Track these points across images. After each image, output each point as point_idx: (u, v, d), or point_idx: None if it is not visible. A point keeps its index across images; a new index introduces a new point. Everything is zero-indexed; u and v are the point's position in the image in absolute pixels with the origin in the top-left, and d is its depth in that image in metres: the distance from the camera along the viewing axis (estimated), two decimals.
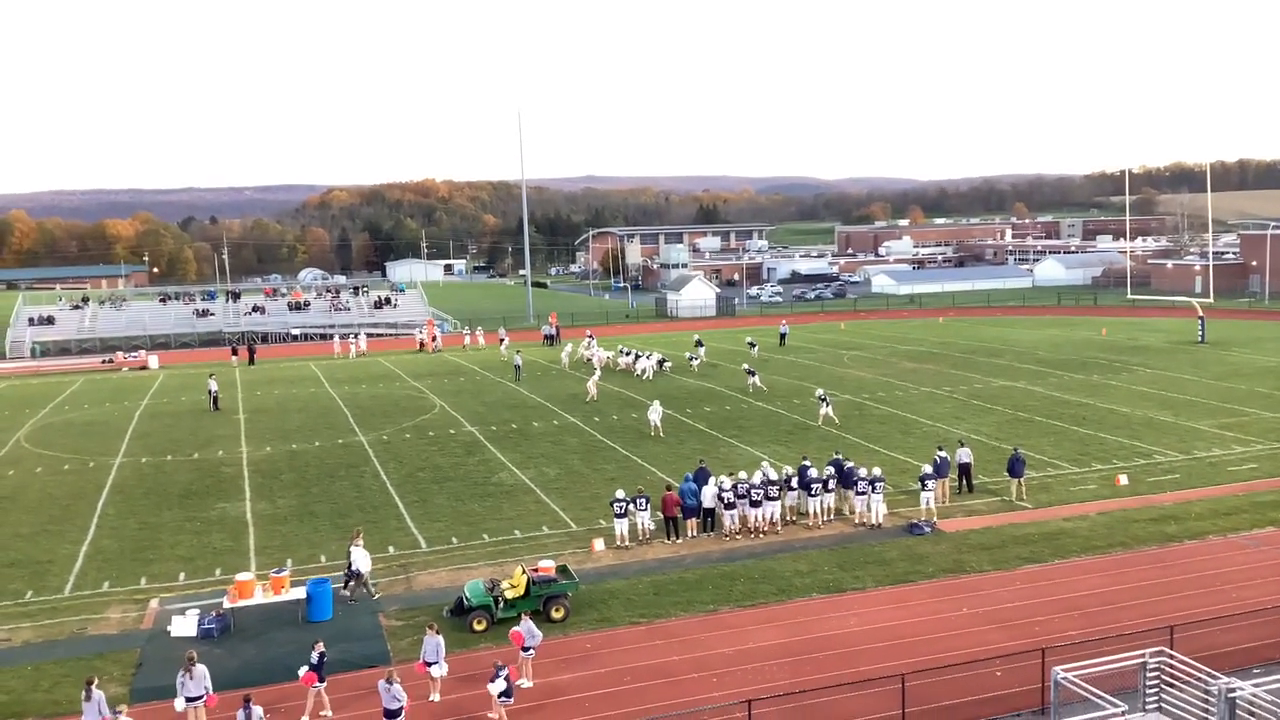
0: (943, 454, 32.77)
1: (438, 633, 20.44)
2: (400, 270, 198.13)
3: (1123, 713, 16.59)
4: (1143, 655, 17.98)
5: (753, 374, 54.96)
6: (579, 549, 28.83)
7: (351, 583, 25.60)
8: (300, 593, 24.41)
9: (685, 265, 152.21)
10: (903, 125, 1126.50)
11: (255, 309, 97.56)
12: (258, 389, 61.05)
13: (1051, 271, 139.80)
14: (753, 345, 67.98)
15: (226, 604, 24.04)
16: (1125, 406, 46.67)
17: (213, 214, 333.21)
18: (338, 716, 19.64)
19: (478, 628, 23.23)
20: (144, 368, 74.50)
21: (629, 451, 40.54)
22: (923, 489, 30.44)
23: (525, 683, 20.54)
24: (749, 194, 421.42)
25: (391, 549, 29.34)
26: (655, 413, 44.04)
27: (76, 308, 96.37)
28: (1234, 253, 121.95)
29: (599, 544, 28.82)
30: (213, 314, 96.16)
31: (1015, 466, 32.58)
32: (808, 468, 31.33)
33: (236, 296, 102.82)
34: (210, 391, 54.37)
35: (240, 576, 24.68)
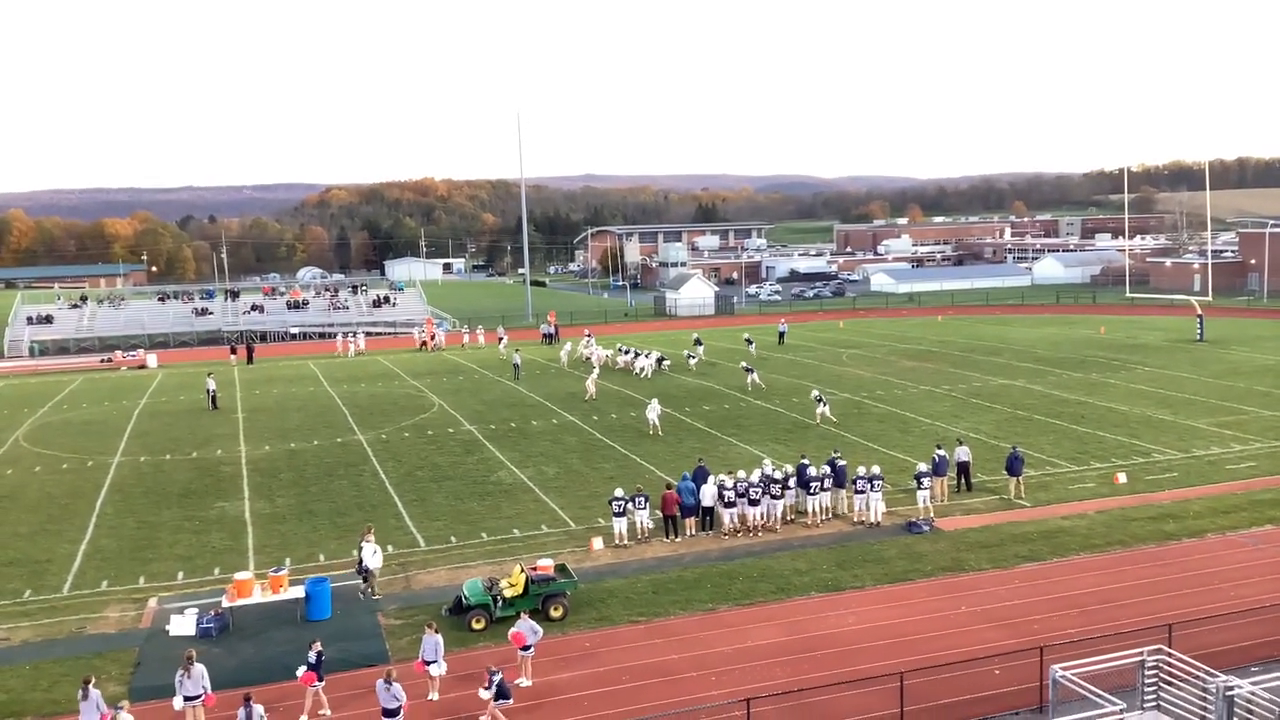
0: (941, 452, 32.78)
1: (436, 631, 20.44)
2: (399, 269, 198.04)
3: (1121, 711, 16.59)
4: (1141, 653, 17.99)
5: (751, 371, 54.99)
6: (578, 548, 28.84)
7: (362, 580, 25.67)
8: (299, 592, 24.42)
9: (684, 264, 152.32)
10: (901, 124, 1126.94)
11: (254, 308, 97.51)
12: (256, 388, 61.04)
13: (1050, 270, 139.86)
14: (750, 342, 67.99)
15: (225, 603, 24.04)
16: (1124, 405, 46.70)
17: (211, 213, 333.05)
18: (336, 715, 19.64)
19: (476, 626, 23.24)
20: (142, 367, 74.48)
21: (628, 450, 40.55)
22: (919, 487, 30.45)
23: (524, 681, 20.54)
24: (748, 192, 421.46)
25: (390, 548, 29.32)
26: (653, 411, 44.06)
27: (75, 307, 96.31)
28: (1233, 251, 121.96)
29: (598, 543, 28.83)
30: (211, 313, 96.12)
31: (1014, 465, 32.60)
32: (806, 466, 31.34)
33: (235, 295, 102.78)
34: (209, 390, 54.37)
35: (239, 575, 24.68)
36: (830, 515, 30.69)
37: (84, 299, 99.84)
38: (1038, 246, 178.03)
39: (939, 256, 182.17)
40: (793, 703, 19.08)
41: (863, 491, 30.21)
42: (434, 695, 20.11)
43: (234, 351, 76.23)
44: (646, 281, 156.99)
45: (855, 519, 30.39)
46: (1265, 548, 27.42)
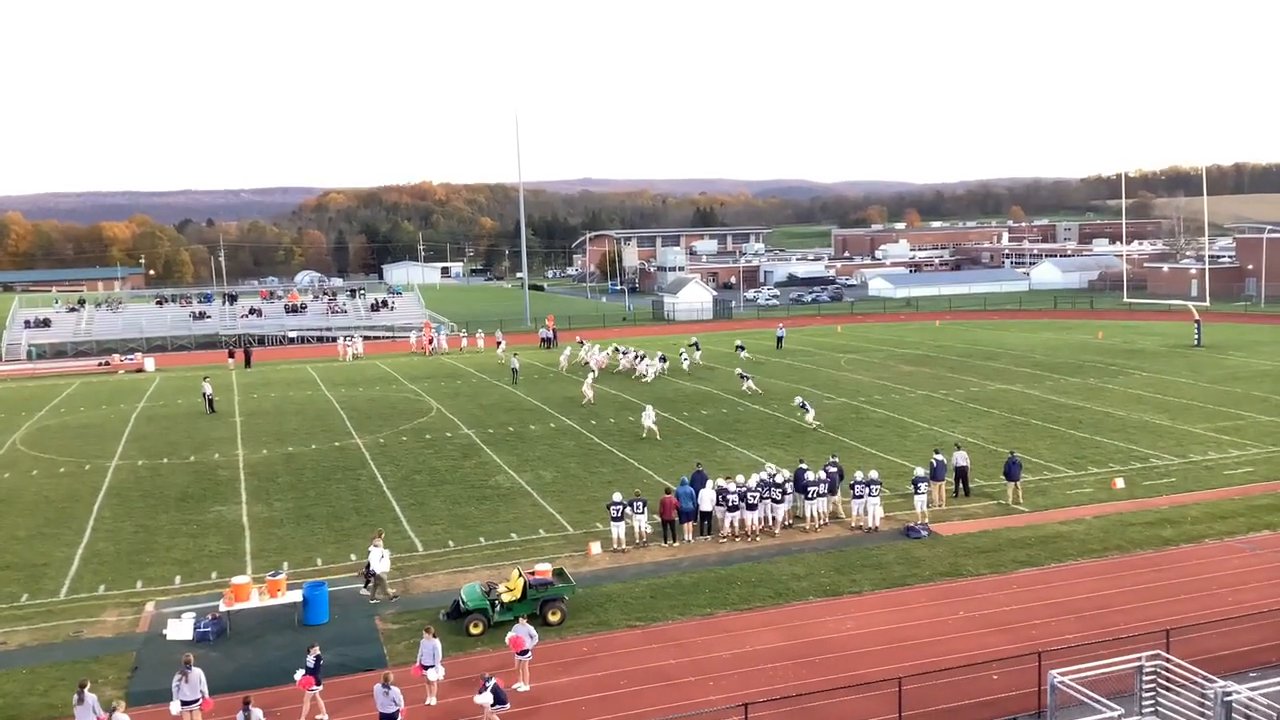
0: (939, 457, 32.78)
1: (434, 636, 20.41)
2: (397, 273, 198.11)
3: (1119, 716, 16.60)
4: (1139, 659, 18.00)
5: (746, 378, 54.98)
6: (576, 552, 28.83)
7: (371, 583, 25.73)
8: (296, 596, 24.39)
9: (682, 268, 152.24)
10: (899, 128, 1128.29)
11: (252, 311, 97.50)
12: (254, 392, 61.01)
13: (1048, 275, 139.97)
14: (740, 348, 67.85)
15: (222, 607, 24.02)
16: (1121, 410, 46.74)
17: (209, 216, 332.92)
18: None
19: (474, 631, 23.22)
20: (140, 370, 74.44)
21: (626, 455, 40.55)
22: (916, 492, 30.46)
23: (522, 686, 20.52)
24: (745, 197, 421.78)
25: (388, 552, 29.26)
26: (648, 416, 44.08)
27: (73, 310, 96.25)
28: (1230, 256, 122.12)
29: (596, 547, 28.81)
30: (209, 316, 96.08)
31: (1011, 470, 32.60)
32: (804, 470, 31.37)
33: (233, 299, 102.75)
34: (205, 395, 54.30)
35: (236, 580, 24.67)
36: (828, 520, 30.69)
37: (82, 302, 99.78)
38: (1035, 251, 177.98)
39: (937, 261, 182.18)
40: (791, 708, 19.07)
41: (861, 496, 30.21)
42: (432, 700, 20.09)
43: (232, 355, 76.19)
44: (645, 285, 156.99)
45: (853, 524, 30.39)
46: (1263, 553, 27.44)
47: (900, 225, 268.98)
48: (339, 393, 59.26)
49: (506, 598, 23.66)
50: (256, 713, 17.68)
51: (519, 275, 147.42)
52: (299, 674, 19.59)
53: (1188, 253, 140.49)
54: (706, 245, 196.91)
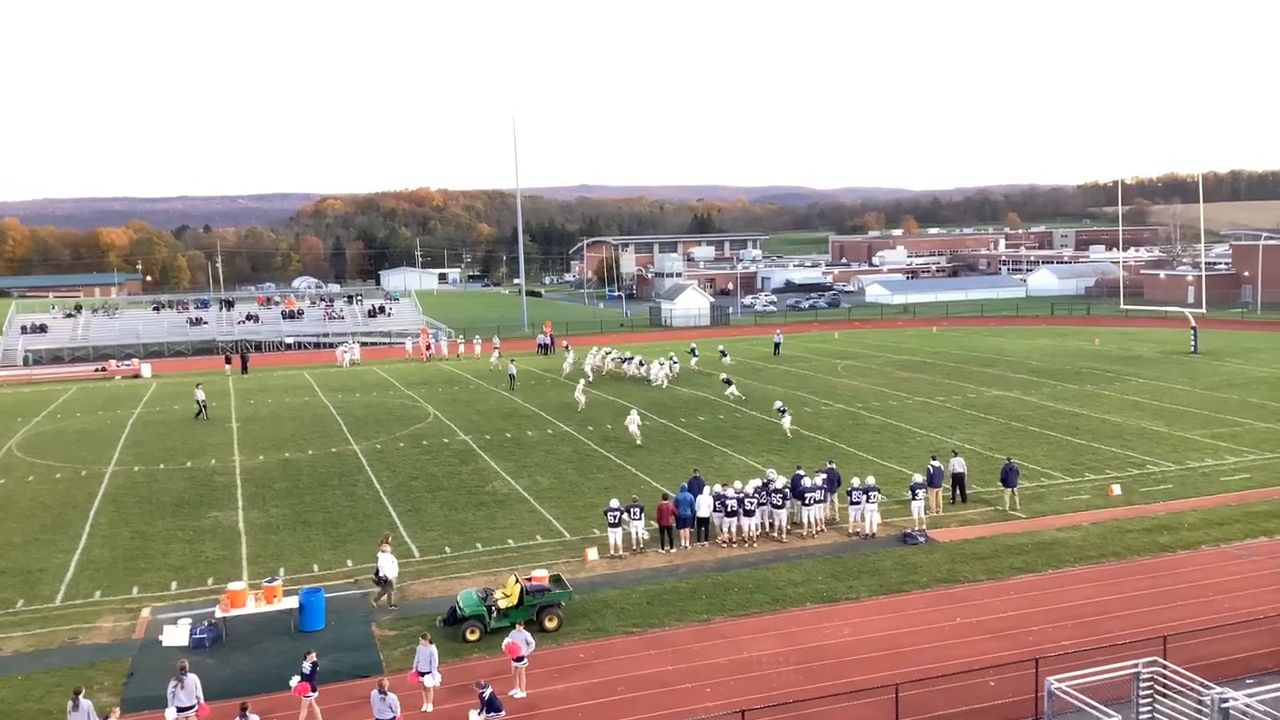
0: (936, 464, 32.78)
1: (431, 642, 20.39)
2: (394, 279, 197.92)
3: None
4: (1136, 665, 18.00)
5: (729, 383, 54.95)
6: (573, 558, 28.80)
7: (379, 588, 25.71)
8: (292, 602, 24.34)
9: (679, 274, 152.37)
10: (896, 135, 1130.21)
11: (249, 317, 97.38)
12: (251, 397, 60.93)
13: (1045, 281, 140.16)
14: (724, 354, 67.59)
15: (218, 613, 23.97)
16: (1118, 416, 46.77)
17: (206, 222, 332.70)
18: None
19: (471, 637, 23.18)
20: (137, 376, 74.33)
21: (623, 461, 40.52)
22: (914, 498, 30.44)
23: (518, 693, 20.48)
24: (743, 204, 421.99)
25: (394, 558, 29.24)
26: (633, 421, 44.02)
27: (69, 316, 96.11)
28: (1226, 263, 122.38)
29: (592, 553, 28.78)
30: (206, 322, 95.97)
31: (1009, 476, 32.60)
32: (801, 476, 31.36)
33: (230, 305, 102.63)
34: (198, 401, 54.08)
35: (232, 586, 24.64)
36: (825, 527, 30.67)
37: (78, 308, 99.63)
38: (1032, 258, 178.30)
39: (934, 268, 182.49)
40: (788, 714, 19.04)
41: (858, 503, 30.19)
42: (428, 706, 20.04)
43: (229, 361, 76.09)
44: (642, 292, 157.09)
45: (850, 530, 30.37)
46: (1260, 559, 27.45)
47: (897, 232, 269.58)
48: (336, 399, 59.20)
49: (503, 604, 23.63)
50: (254, 719, 17.64)
51: (516, 281, 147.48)
52: (294, 680, 19.56)
53: (1184, 259, 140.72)
54: (704, 252, 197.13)
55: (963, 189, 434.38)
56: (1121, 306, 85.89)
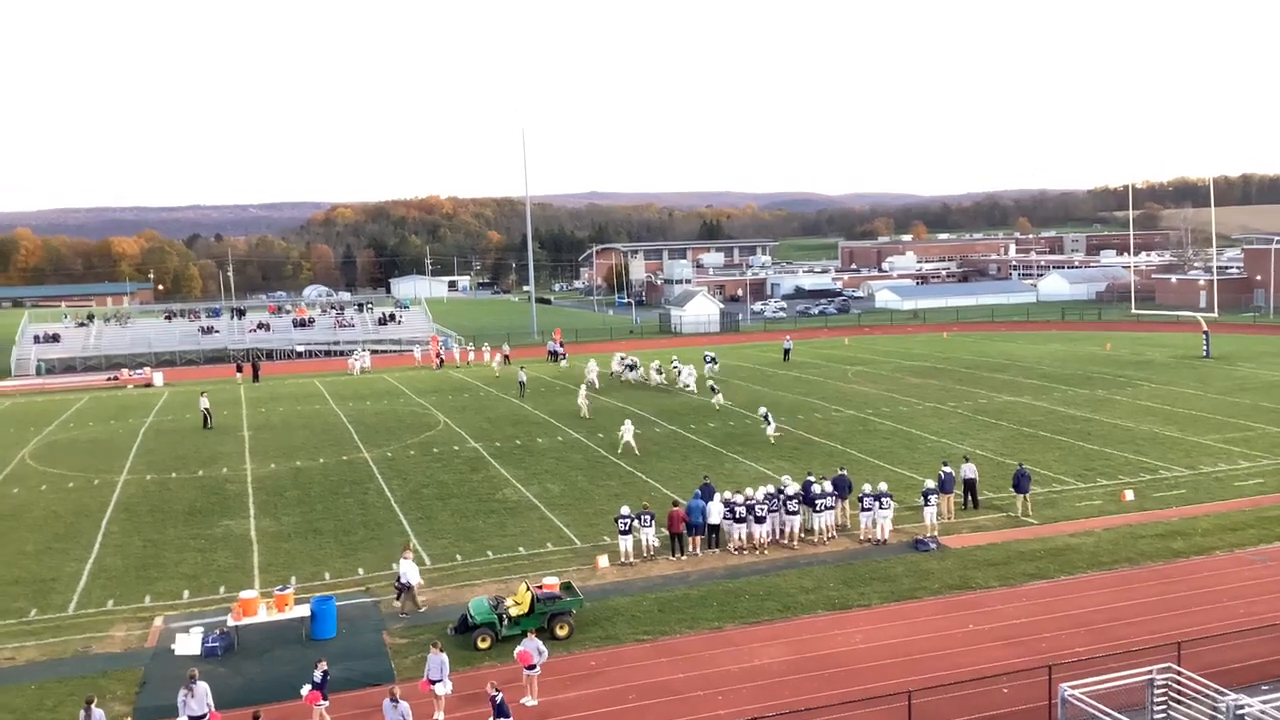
0: (948, 470, 32.69)
1: (442, 650, 20.37)
2: (404, 287, 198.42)
3: None
4: (1150, 672, 17.91)
5: (716, 391, 54.89)
6: (583, 566, 28.78)
7: (402, 596, 25.76)
8: (304, 610, 24.37)
9: (689, 281, 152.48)
10: (905, 141, 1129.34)
11: (260, 326, 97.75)
12: (262, 406, 61.10)
13: (1055, 286, 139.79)
14: (713, 361, 67.20)
15: (230, 622, 24.00)
16: (1130, 421, 46.58)
17: (218, 231, 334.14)
18: None
19: (482, 645, 23.17)
20: (149, 385, 74.59)
21: (633, 468, 40.50)
22: (925, 505, 30.36)
23: (530, 701, 20.47)
24: (752, 210, 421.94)
25: (395, 566, 29.25)
26: (627, 430, 44.01)
27: (82, 325, 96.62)
28: (1238, 267, 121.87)
29: (603, 561, 28.76)
30: (218, 331, 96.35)
31: (1020, 482, 32.49)
32: (811, 483, 31.31)
33: (241, 313, 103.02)
34: (203, 409, 54.17)
35: (244, 594, 24.65)
36: (836, 534, 30.61)
37: (90, 317, 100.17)
38: (1043, 263, 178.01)
39: (944, 273, 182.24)
40: None
41: (869, 509, 30.12)
42: (440, 715, 20.02)
43: (240, 369, 76.35)
44: (652, 299, 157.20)
45: (862, 536, 30.29)
46: (1274, 565, 27.29)
47: (907, 237, 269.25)
48: (346, 407, 59.33)
49: (514, 612, 23.61)
50: None
51: (526, 289, 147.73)
52: (306, 689, 19.58)
53: (1196, 264, 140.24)
54: (713, 258, 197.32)
55: (972, 194, 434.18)
56: (1133, 311, 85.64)
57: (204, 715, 18.82)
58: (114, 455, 47.01)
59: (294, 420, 55.30)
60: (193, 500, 37.90)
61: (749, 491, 30.70)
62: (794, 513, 29.90)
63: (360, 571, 29.00)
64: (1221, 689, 17.48)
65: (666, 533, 29.57)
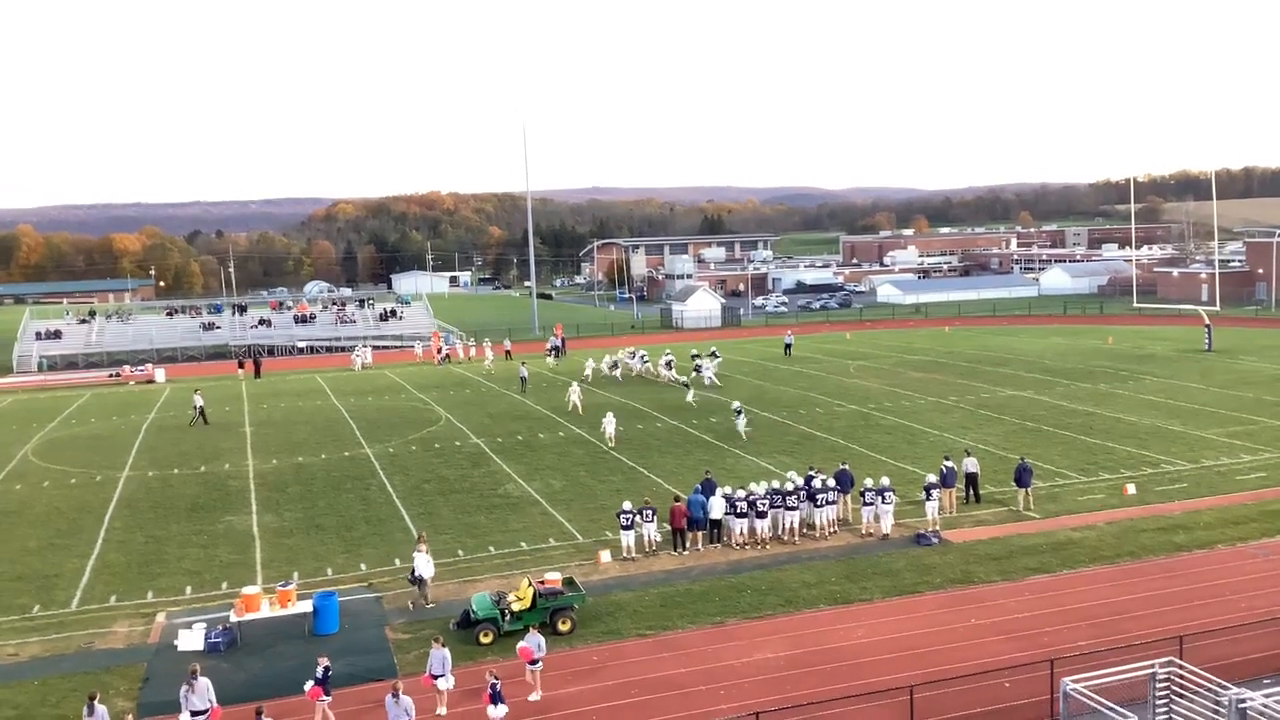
0: (949, 464, 32.68)
1: (444, 645, 20.39)
2: (406, 282, 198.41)
3: None
4: (1152, 666, 17.89)
5: (688, 388, 54.83)
6: (585, 561, 28.80)
7: (415, 588, 25.85)
8: (307, 606, 24.40)
9: (690, 276, 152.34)
10: (907, 135, 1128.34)
11: (261, 322, 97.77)
12: (264, 402, 61.12)
13: (1057, 280, 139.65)
14: (697, 359, 66.82)
15: (233, 617, 24.04)
16: (1132, 415, 46.55)
17: (219, 227, 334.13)
18: None
19: (484, 640, 23.19)
20: (150, 381, 74.63)
21: (635, 463, 40.51)
22: (927, 499, 30.35)
23: (534, 696, 20.49)
24: (753, 204, 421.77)
25: (397, 561, 29.31)
26: (610, 423, 43.89)
27: (83, 322, 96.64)
28: (1240, 260, 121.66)
29: (605, 556, 28.78)
30: (219, 327, 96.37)
31: (1022, 476, 32.48)
32: (813, 477, 31.31)
33: (243, 309, 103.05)
34: (196, 406, 54.11)
35: (247, 590, 24.69)
36: (838, 528, 30.60)
37: (92, 314, 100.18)
38: (1044, 257, 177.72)
39: (945, 267, 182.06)
40: (802, 716, 18.97)
41: (871, 504, 30.11)
42: (442, 710, 20.05)
43: (241, 366, 76.33)
44: (653, 294, 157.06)
45: (864, 531, 30.29)
46: (1276, 558, 27.28)
47: (909, 231, 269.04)
48: (348, 402, 59.34)
49: (516, 607, 23.63)
50: None
51: (527, 284, 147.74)
52: (309, 684, 19.60)
53: (1198, 257, 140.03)
54: (714, 253, 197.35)
55: (974, 188, 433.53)
56: (1135, 305, 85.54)
57: (206, 710, 18.84)
58: (116, 451, 47.04)
59: (296, 416, 55.32)
60: (195, 496, 37.93)
61: (751, 486, 30.71)
62: (794, 508, 29.89)
63: (362, 567, 29.03)
64: (1224, 683, 17.47)
65: (668, 528, 29.57)
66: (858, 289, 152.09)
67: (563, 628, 23.63)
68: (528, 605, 23.63)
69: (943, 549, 28.85)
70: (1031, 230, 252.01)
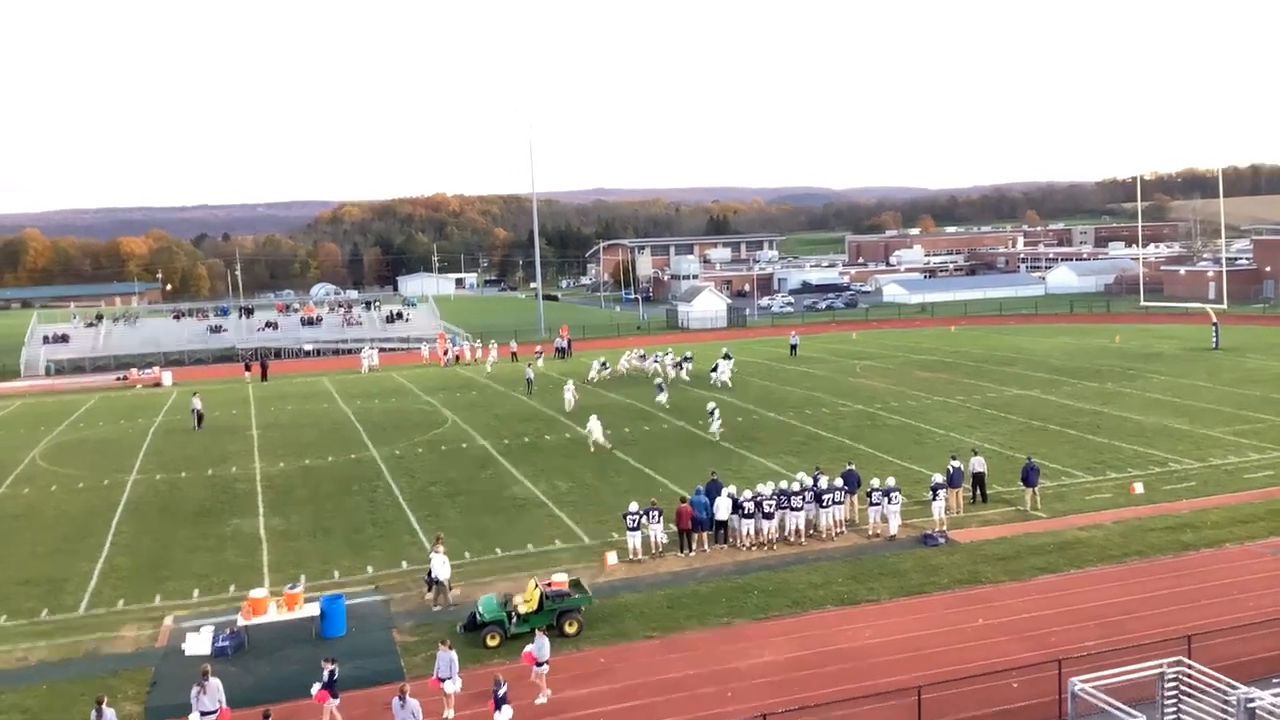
0: (956, 464, 32.63)
1: (451, 648, 20.41)
2: (412, 284, 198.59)
3: None
4: (1160, 665, 17.85)
5: (661, 390, 54.93)
6: (592, 563, 28.79)
7: (433, 590, 25.89)
8: (314, 609, 24.43)
9: (696, 276, 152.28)
10: (912, 133, 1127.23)
11: (268, 325, 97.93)
12: (271, 405, 61.21)
13: (1064, 279, 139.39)
14: (684, 359, 66.91)
15: (241, 621, 24.07)
16: (1139, 414, 46.44)
17: (225, 231, 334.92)
18: None
19: (491, 643, 23.20)
20: (158, 385, 74.78)
21: (641, 464, 40.50)
22: (934, 499, 30.31)
23: (542, 699, 20.50)
24: (758, 204, 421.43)
25: (404, 564, 29.36)
26: (595, 427, 43.90)
27: (90, 325, 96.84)
28: (1247, 258, 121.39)
29: (612, 557, 28.78)
30: (226, 330, 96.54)
31: (1029, 476, 32.42)
32: (818, 478, 31.25)
33: (249, 312, 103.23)
34: (194, 410, 54.18)
35: (254, 593, 24.72)
36: (844, 529, 30.56)
37: (99, 318, 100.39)
38: (1051, 256, 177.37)
39: (951, 267, 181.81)
40: (810, 717, 18.97)
41: (878, 504, 30.07)
42: (450, 712, 20.07)
43: (248, 368, 76.47)
44: (659, 294, 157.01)
45: (870, 532, 30.26)
46: None
47: (914, 231, 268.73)
48: (355, 405, 59.42)
49: (523, 609, 23.63)
50: None
51: (533, 285, 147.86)
52: (316, 688, 19.63)
53: (1204, 255, 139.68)
54: (720, 253, 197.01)
55: (980, 187, 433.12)
56: (1142, 303, 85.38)
57: (215, 711, 18.89)
58: (123, 455, 47.15)
59: (302, 419, 55.40)
60: (202, 500, 38.01)
61: (758, 487, 30.68)
62: (799, 509, 29.85)
63: (369, 570, 29.06)
64: (1233, 682, 17.42)
65: (675, 529, 29.56)
66: (863, 289, 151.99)
67: (569, 630, 23.64)
68: (534, 607, 23.63)
69: (950, 549, 28.81)
70: (1038, 229, 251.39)
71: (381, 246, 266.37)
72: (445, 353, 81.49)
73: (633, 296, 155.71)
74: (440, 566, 25.80)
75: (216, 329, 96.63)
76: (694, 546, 29.33)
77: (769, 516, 29.49)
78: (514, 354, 78.79)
